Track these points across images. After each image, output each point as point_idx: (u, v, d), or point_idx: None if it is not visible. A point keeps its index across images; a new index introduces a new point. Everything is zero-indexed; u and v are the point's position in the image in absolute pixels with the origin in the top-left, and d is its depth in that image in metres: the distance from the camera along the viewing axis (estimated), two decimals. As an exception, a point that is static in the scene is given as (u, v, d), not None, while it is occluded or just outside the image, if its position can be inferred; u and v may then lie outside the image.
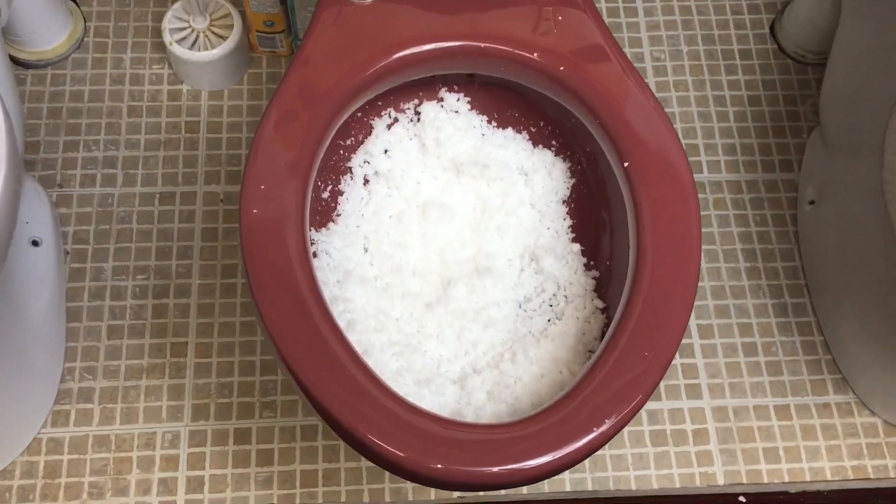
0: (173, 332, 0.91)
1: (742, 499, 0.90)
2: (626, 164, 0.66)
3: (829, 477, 0.90)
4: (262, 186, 0.62)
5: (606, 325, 0.71)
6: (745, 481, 0.89)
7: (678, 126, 1.05)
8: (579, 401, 0.59)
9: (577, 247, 0.75)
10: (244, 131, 1.00)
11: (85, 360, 0.89)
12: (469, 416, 0.66)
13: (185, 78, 1.01)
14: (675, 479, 0.89)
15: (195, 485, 0.86)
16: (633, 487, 0.88)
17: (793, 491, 0.90)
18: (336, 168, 0.76)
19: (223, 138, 1.00)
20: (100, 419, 0.87)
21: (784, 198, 1.02)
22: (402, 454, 0.58)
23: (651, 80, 1.06)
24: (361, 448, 0.59)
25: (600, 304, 0.73)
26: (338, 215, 0.75)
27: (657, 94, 1.04)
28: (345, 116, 0.71)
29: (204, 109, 1.01)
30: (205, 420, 0.88)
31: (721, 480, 0.89)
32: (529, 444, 0.58)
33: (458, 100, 0.77)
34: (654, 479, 0.89)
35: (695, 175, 1.04)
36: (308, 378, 0.59)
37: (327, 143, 0.69)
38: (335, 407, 0.58)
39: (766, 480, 0.90)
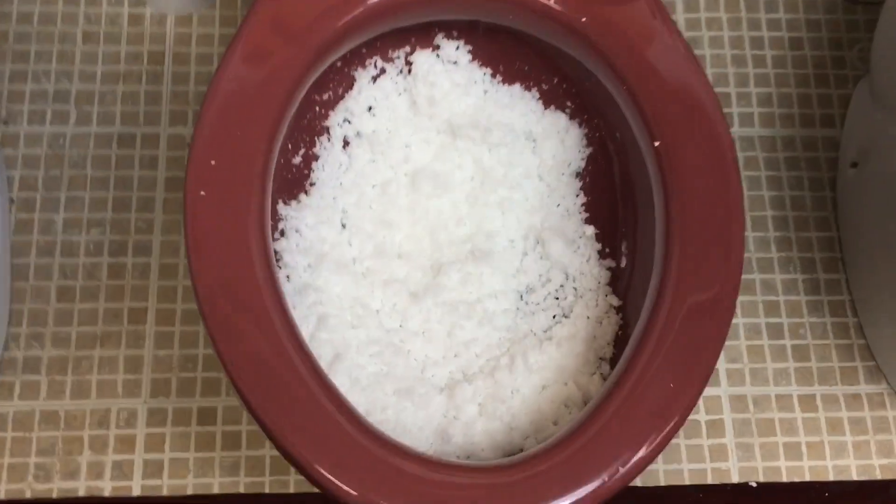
0: (131, 295, 0.81)
1: (753, 483, 0.82)
2: (656, 144, 0.55)
3: (854, 476, 0.82)
4: (213, 161, 0.51)
5: (621, 329, 0.61)
6: (761, 479, 0.81)
7: (708, 71, 0.92)
8: (591, 438, 0.49)
9: (590, 230, 0.65)
10: (215, 64, 0.87)
11: (32, 326, 0.80)
12: (457, 435, 0.57)
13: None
14: (684, 475, 0.81)
15: (153, 469, 0.77)
16: (639, 484, 0.80)
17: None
18: (310, 128, 0.64)
19: (191, 72, 0.88)
20: (48, 393, 0.78)
21: (823, 158, 0.91)
22: (352, 491, 0.48)
23: (681, 17, 0.93)
24: (310, 479, 0.50)
25: (615, 301, 0.62)
26: (311, 184, 0.64)
27: (686, 34, 0.92)
28: (328, 62, 0.59)
29: (170, 38, 0.88)
30: (165, 397, 0.79)
31: (735, 478, 0.81)
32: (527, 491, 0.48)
33: (458, 48, 0.65)
34: (661, 475, 0.80)
35: (724, 130, 0.93)
36: (253, 395, 0.49)
37: (303, 92, 0.58)
38: (281, 430, 0.49)
39: (784, 479, 0.81)
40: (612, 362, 0.62)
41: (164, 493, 0.77)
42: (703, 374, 0.51)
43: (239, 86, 0.55)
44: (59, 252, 0.82)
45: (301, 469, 0.49)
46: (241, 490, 0.77)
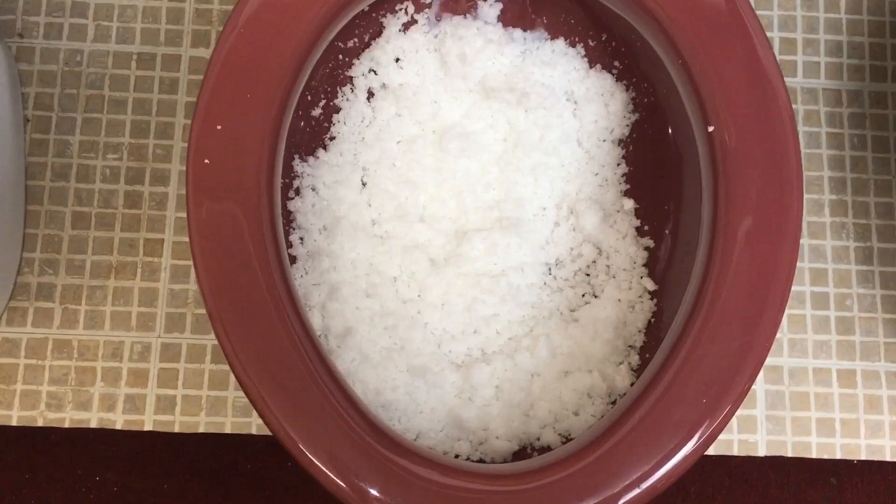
0: (148, 226, 0.78)
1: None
2: (710, 129, 0.49)
3: (887, 457, 0.78)
4: (219, 126, 0.46)
5: (655, 316, 0.57)
6: (790, 454, 0.78)
7: (775, 13, 0.85)
8: (614, 449, 0.46)
9: (630, 203, 0.60)
10: (242, -19, 0.82)
11: (46, 252, 0.77)
12: (471, 419, 0.54)
13: None
14: (709, 445, 0.77)
15: (165, 405, 0.76)
16: (661, 452, 0.77)
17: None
18: (332, 78, 0.59)
19: (216, -12, 0.82)
20: (61, 321, 0.76)
21: (891, 116, 0.84)
22: (340, 482, 0.45)
23: (750, -49, 0.85)
24: (294, 462, 0.47)
25: (650, 285, 0.58)
26: (331, 139, 0.59)
27: (754, -31, 0.84)
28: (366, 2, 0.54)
29: (195, -52, 0.82)
30: (180, 332, 0.77)
31: (763, 451, 0.78)
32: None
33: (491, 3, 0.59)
34: (685, 444, 0.77)
35: (787, 79, 0.86)
36: (247, 376, 0.46)
37: (332, 36, 0.53)
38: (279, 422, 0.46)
39: (814, 455, 0.78)
40: (642, 352, 0.58)
41: (176, 429, 0.76)
42: (739, 391, 0.47)
43: (255, 32, 0.50)
44: (75, 176, 0.79)
45: (289, 454, 0.47)
46: (253, 431, 0.76)
